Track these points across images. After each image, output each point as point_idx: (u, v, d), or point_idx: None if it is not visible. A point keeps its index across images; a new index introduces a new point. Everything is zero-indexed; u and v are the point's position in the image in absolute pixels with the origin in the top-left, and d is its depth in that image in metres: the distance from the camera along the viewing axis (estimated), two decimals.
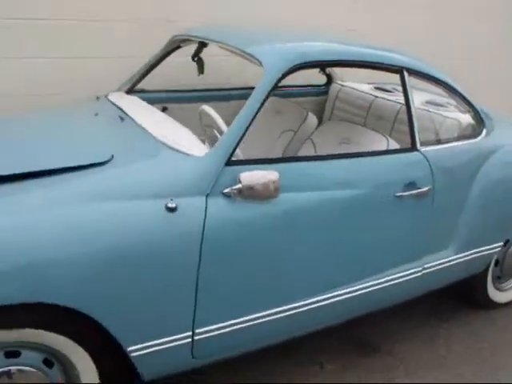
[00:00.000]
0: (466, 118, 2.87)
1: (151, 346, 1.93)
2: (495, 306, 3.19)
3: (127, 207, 1.83)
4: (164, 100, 3.11)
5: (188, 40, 2.88)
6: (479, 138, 2.81)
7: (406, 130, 2.70)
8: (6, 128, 2.45)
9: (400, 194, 2.36)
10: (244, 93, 3.13)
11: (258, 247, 2.03)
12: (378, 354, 2.73)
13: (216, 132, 2.27)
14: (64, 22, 3.24)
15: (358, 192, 2.25)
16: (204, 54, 3.03)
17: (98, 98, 2.82)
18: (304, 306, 2.22)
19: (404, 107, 2.64)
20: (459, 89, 2.80)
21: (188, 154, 2.02)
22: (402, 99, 3.00)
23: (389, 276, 2.45)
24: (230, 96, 3.36)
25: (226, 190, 1.95)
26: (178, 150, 2.05)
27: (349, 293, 2.34)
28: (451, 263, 2.69)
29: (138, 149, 2.12)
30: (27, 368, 1.82)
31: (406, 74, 2.53)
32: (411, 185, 2.41)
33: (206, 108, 2.33)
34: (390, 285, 2.45)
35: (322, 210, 2.16)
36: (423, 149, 2.52)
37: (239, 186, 1.94)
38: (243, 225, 1.99)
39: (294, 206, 2.09)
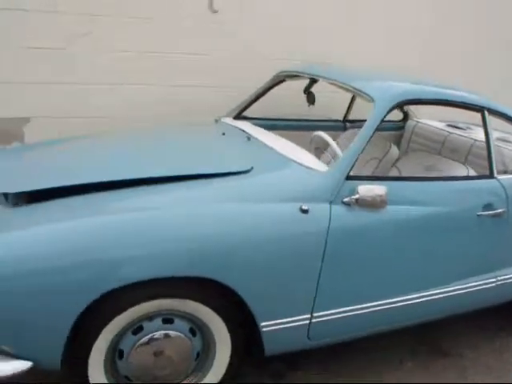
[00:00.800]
0: None
1: (278, 323, 2.34)
2: None
3: (269, 207, 2.29)
4: (264, 126, 3.59)
5: (294, 76, 3.37)
6: None
7: (477, 162, 3.13)
8: (146, 139, 2.97)
9: (480, 213, 2.77)
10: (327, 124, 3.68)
11: (369, 247, 2.46)
12: (449, 356, 3.07)
13: (327, 153, 2.74)
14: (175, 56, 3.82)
15: (448, 209, 2.67)
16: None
17: (216, 120, 3.32)
18: (399, 302, 2.63)
19: (476, 142, 3.07)
20: None
21: (313, 169, 2.48)
22: (473, 135, 3.46)
23: (468, 284, 2.84)
24: (317, 126, 3.82)
25: (346, 200, 2.39)
26: (303, 165, 2.51)
27: (434, 295, 2.73)
28: None
29: (270, 163, 2.59)
30: (177, 333, 2.25)
31: (486, 113, 2.96)
32: (489, 206, 2.81)
33: (321, 134, 2.80)
34: (468, 291, 2.84)
35: (418, 222, 2.58)
36: (499, 177, 2.93)
37: (357, 196, 2.37)
38: (358, 228, 2.43)
39: (397, 216, 2.52)
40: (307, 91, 3.47)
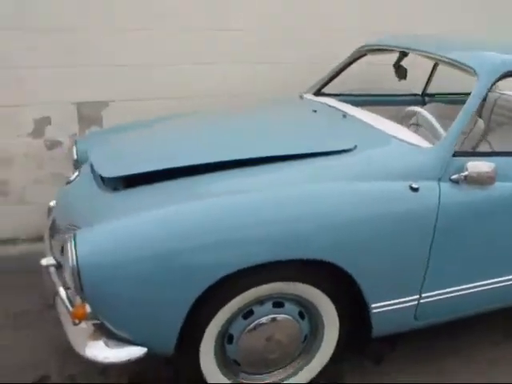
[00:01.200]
0: None
1: (387, 305, 2.30)
2: None
3: (378, 185, 2.22)
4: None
5: (378, 50, 3.26)
6: None
7: None
8: (240, 119, 2.93)
9: None
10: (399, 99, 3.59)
11: (477, 225, 2.37)
12: None
13: (424, 130, 2.64)
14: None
15: None
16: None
17: (301, 97, 3.24)
18: (505, 282, 2.54)
19: None
20: None
21: (418, 146, 2.39)
22: None
23: None
24: (396, 101, 3.70)
25: (454, 177, 2.30)
26: (408, 142, 2.42)
27: None
28: None
29: (373, 140, 2.50)
30: (287, 317, 2.23)
31: None
32: None
33: (419, 109, 2.70)
34: None
35: None
36: None
37: (466, 173, 2.27)
38: (467, 205, 2.33)
39: (505, 193, 2.41)
40: (397, 65, 3.35)
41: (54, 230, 2.52)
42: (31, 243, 3.44)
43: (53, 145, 3.58)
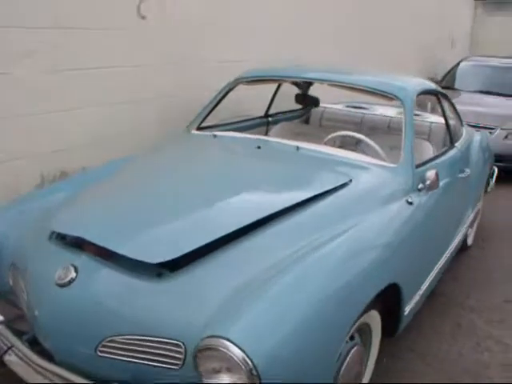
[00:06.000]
0: None
1: (412, 308, 2.59)
2: None
3: (395, 207, 2.51)
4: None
5: (257, 80, 3.42)
6: None
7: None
8: None
9: None
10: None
11: (435, 219, 2.87)
12: None
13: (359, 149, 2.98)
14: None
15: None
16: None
17: (214, 136, 3.15)
18: None
19: (394, 119, 3.69)
20: None
21: (386, 166, 2.72)
22: (384, 113, 4.05)
23: None
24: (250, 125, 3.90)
25: (420, 186, 2.70)
26: (378, 165, 2.72)
27: None
28: None
29: (352, 170, 2.66)
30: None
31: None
32: None
33: (350, 133, 3.03)
34: None
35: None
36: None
37: (428, 182, 2.70)
38: (431, 206, 2.79)
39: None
40: (303, 95, 3.53)
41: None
42: None
43: None
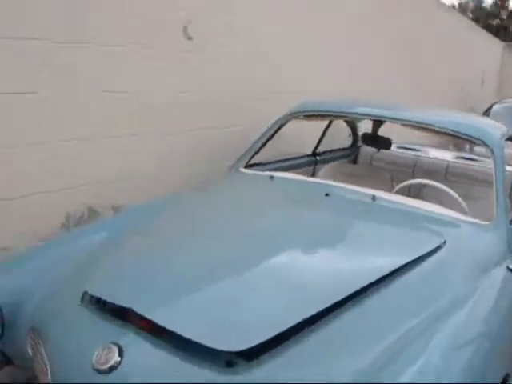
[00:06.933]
0: None
1: None
2: None
3: (489, 276, 2.04)
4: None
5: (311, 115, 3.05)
6: None
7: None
8: None
9: None
10: None
11: None
12: None
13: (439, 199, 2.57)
14: None
15: None
16: None
17: (271, 177, 2.75)
18: None
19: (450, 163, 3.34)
20: None
21: (481, 224, 2.28)
22: (440, 156, 3.67)
23: None
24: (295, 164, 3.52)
25: None
26: (468, 222, 2.29)
27: None
28: None
29: (442, 226, 2.26)
30: None
31: None
32: None
33: (429, 182, 2.60)
34: None
35: None
36: None
37: None
38: None
39: None
40: (374, 135, 3.14)
41: None
42: None
43: None
